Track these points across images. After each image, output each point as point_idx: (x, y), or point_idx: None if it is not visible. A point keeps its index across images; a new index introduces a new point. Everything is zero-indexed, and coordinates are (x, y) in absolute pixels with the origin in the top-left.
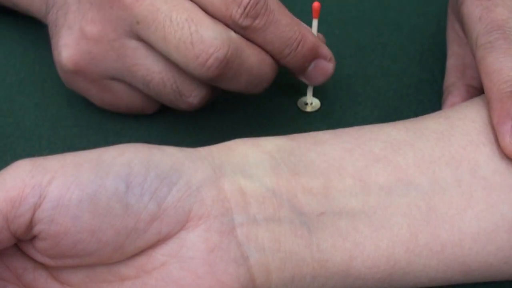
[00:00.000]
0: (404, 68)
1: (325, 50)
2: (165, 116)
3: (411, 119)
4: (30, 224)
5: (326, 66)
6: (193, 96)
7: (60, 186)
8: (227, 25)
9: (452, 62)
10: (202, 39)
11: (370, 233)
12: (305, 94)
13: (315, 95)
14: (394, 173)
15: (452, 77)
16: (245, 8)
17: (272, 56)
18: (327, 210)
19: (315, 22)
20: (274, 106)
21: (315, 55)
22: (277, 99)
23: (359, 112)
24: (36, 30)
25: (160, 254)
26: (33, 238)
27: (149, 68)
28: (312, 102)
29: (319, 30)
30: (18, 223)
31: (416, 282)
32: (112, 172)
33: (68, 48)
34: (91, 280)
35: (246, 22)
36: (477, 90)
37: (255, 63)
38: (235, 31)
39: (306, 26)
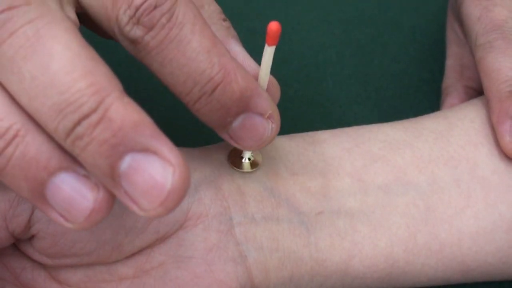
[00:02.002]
0: (404, 68)
1: (263, 102)
2: (164, 115)
3: (410, 119)
4: (28, 223)
5: (259, 126)
6: None
7: None
8: (112, 32)
9: (450, 63)
10: None
11: (368, 233)
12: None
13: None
14: (392, 172)
15: (451, 78)
16: (136, 10)
17: (177, 96)
18: (325, 210)
19: (269, 52)
20: None
21: (243, 107)
22: None
23: (359, 112)
24: None
25: (158, 253)
26: (32, 237)
27: None
28: (251, 158)
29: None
30: (17, 222)
31: (415, 281)
32: None
33: None
34: (89, 280)
35: (134, 32)
36: (475, 91)
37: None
38: (122, 44)
39: (247, 59)
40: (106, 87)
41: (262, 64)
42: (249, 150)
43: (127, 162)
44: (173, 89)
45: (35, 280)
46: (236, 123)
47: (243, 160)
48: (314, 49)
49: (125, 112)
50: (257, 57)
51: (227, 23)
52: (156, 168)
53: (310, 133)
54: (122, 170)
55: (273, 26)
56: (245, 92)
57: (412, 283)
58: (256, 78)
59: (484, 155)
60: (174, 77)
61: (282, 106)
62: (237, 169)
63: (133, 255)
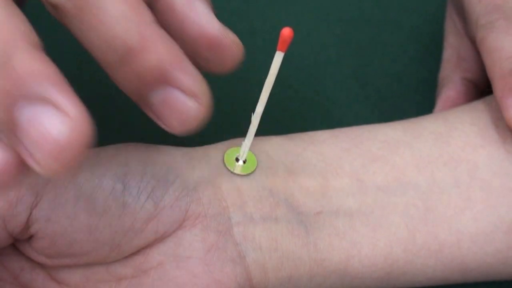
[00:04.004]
0: (404, 68)
1: (186, 77)
2: None
3: (409, 119)
4: (27, 224)
5: (180, 103)
6: None
7: (57, 185)
8: None
9: (447, 54)
10: None
11: (367, 233)
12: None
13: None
14: (391, 172)
15: (447, 69)
16: None
17: (99, 63)
18: (324, 209)
19: (277, 57)
20: (272, 106)
21: (161, 79)
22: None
23: (359, 112)
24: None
25: (157, 253)
26: (30, 237)
27: None
28: (245, 160)
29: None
30: (15, 223)
31: (414, 281)
32: (109, 171)
33: None
34: (88, 280)
35: None
36: (471, 83)
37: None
38: (48, 9)
39: (169, 35)
40: (15, 38)
41: (270, 70)
42: (175, 132)
43: (25, 115)
44: (93, 56)
45: (34, 280)
46: (157, 98)
47: (237, 162)
48: (314, 49)
49: (29, 63)
50: (257, 57)
51: None
52: (51, 119)
53: (309, 133)
54: (20, 123)
55: (286, 32)
56: (163, 63)
57: (411, 283)
58: (210, 37)
59: (484, 157)
60: (93, 43)
61: (282, 106)
62: (231, 171)
63: (131, 255)
